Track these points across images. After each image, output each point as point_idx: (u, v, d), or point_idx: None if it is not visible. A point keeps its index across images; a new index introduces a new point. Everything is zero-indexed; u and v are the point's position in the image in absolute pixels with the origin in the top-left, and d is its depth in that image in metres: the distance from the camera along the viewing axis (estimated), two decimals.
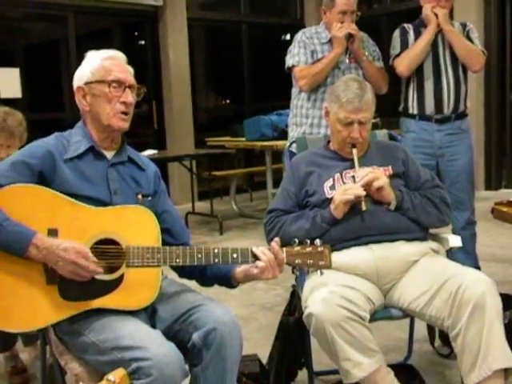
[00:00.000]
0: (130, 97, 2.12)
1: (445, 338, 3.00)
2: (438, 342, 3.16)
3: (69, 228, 1.94)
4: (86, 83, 2.11)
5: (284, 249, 2.03)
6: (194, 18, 8.33)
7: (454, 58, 3.55)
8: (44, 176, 2.00)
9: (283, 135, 5.52)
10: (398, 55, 3.60)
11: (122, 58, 2.18)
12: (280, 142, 6.10)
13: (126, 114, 2.12)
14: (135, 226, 2.01)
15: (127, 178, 2.15)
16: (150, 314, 2.06)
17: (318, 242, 2.03)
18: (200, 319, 1.97)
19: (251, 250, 2.01)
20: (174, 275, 2.22)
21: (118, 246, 1.96)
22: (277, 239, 2.05)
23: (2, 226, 1.86)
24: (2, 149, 3.01)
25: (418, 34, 3.58)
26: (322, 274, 2.04)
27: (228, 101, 10.05)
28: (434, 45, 3.54)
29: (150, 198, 2.18)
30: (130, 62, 2.19)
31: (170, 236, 2.21)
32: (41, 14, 7.41)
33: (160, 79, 8.10)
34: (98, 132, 2.14)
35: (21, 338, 3.11)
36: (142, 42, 8.52)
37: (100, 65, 2.11)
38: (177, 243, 2.19)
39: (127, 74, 2.14)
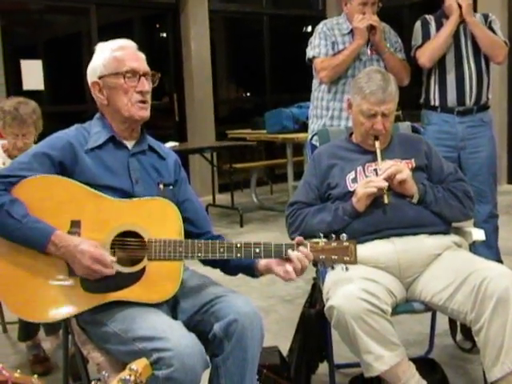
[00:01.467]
0: (146, 85, 2.11)
1: (467, 332, 2.99)
2: (459, 336, 3.14)
3: (91, 220, 1.96)
4: (100, 77, 2.10)
5: (308, 244, 2.01)
6: (215, 10, 8.33)
7: (476, 50, 3.51)
8: (65, 167, 2.01)
9: (304, 128, 5.51)
10: (419, 46, 3.56)
11: (132, 46, 2.16)
12: (301, 135, 6.09)
13: (144, 102, 2.11)
14: (158, 219, 2.00)
15: (148, 167, 2.15)
16: (171, 306, 2.07)
17: (344, 236, 2.00)
18: (221, 310, 1.97)
19: (287, 251, 1.99)
20: (197, 264, 2.20)
21: (140, 238, 1.96)
22: (300, 239, 2.03)
23: (22, 223, 1.88)
24: (18, 138, 3.06)
25: (439, 25, 3.54)
26: (347, 269, 2.02)
27: (249, 93, 10.03)
28: (455, 36, 3.50)
29: (171, 188, 2.17)
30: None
31: (191, 225, 2.20)
32: (63, 7, 7.45)
33: (181, 71, 8.11)
34: (118, 123, 2.13)
35: (43, 328, 3.14)
36: (164, 35, 8.54)
37: (111, 56, 2.10)
38: (198, 232, 2.19)
39: (140, 61, 2.12)
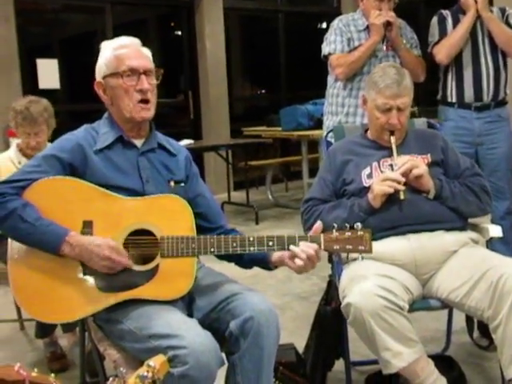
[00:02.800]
0: (146, 83, 2.06)
1: (484, 329, 2.96)
2: (476, 334, 3.12)
3: (103, 219, 1.96)
4: (104, 77, 2.10)
5: (322, 235, 1.99)
6: (230, 8, 8.31)
7: (494, 45, 3.49)
8: (75, 168, 2.01)
9: (319, 125, 5.47)
10: (436, 43, 3.54)
11: (135, 43, 2.13)
12: (316, 132, 6.07)
13: (146, 101, 2.08)
14: (169, 216, 2.00)
15: (158, 165, 2.14)
16: (187, 303, 2.07)
17: (358, 225, 1.98)
18: (237, 308, 1.97)
19: (290, 249, 1.98)
20: (214, 261, 2.20)
21: (152, 236, 1.96)
22: (319, 223, 2.02)
23: (35, 227, 1.88)
24: (31, 137, 3.09)
25: (456, 21, 3.52)
26: (362, 258, 2.01)
27: (264, 90, 10.02)
28: (472, 31, 3.48)
29: (182, 184, 2.16)
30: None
31: (204, 220, 2.19)
32: (79, 6, 7.48)
33: (196, 69, 8.10)
34: (123, 123, 2.12)
35: (60, 325, 3.15)
36: (179, 33, 8.53)
37: (111, 56, 2.08)
38: (212, 227, 2.19)
39: (141, 59, 2.08)
